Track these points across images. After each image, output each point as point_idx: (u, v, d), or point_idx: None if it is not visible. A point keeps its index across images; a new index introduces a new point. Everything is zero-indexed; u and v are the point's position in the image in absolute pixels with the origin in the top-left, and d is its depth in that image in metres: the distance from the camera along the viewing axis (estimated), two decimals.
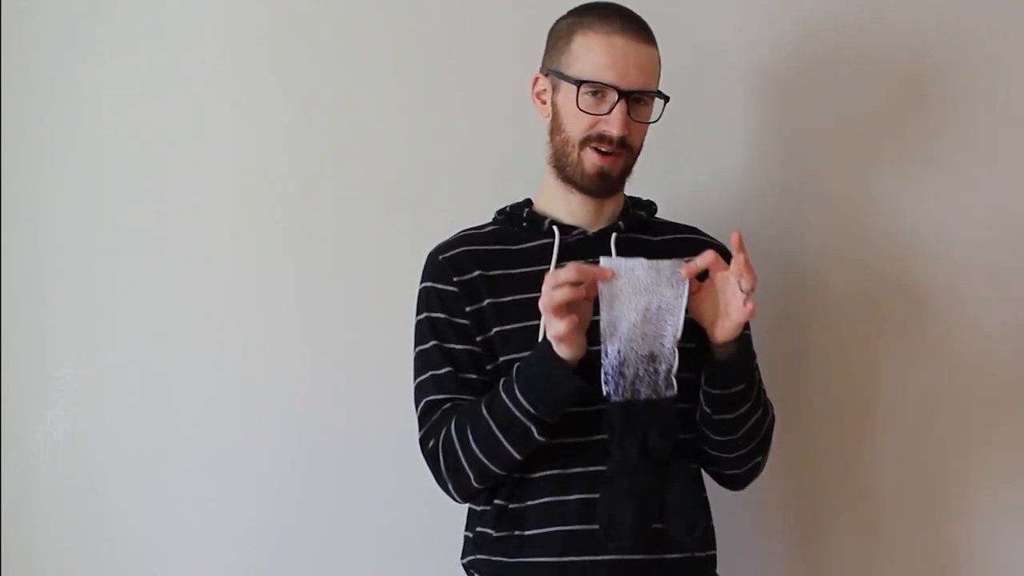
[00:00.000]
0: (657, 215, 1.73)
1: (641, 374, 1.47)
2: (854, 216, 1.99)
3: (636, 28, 1.59)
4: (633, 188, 1.71)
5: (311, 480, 2.02)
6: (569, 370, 1.45)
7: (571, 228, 1.64)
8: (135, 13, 2.08)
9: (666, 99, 1.62)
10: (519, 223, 1.67)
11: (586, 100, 1.58)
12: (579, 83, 1.57)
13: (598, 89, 1.57)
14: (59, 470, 2.05)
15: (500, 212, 1.71)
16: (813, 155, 2.00)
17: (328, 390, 2.03)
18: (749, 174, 2.00)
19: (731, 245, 1.46)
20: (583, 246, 1.62)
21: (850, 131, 2.00)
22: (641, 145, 1.64)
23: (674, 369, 1.47)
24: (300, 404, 2.03)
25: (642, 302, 1.46)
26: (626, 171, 1.63)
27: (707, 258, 1.46)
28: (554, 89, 1.63)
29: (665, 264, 1.47)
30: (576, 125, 1.59)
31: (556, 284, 1.42)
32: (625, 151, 1.60)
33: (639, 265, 1.46)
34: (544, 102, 1.65)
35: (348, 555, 2.01)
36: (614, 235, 1.63)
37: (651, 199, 1.74)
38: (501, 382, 1.53)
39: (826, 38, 2.00)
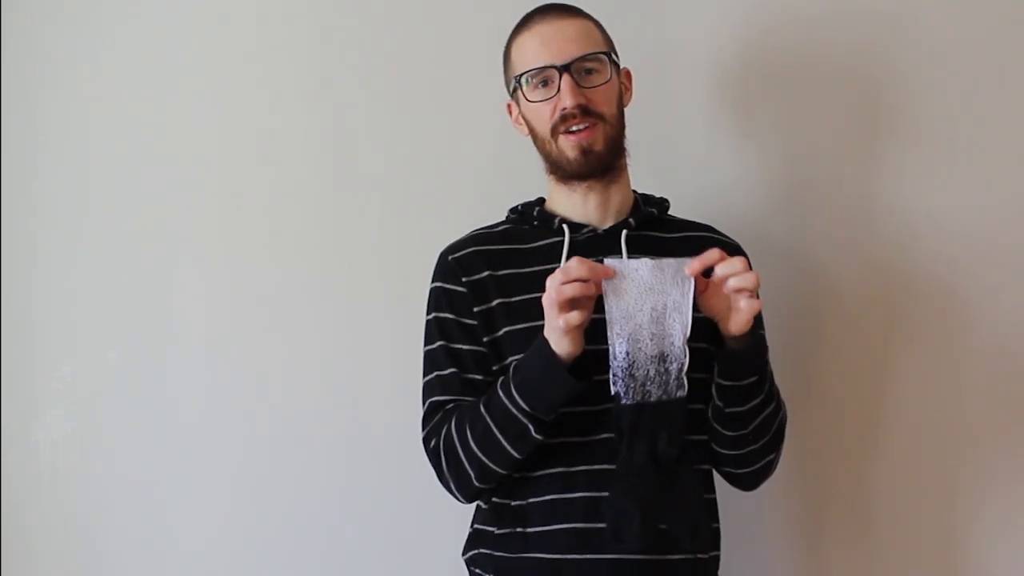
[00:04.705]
0: (670, 212, 1.73)
1: (652, 375, 1.47)
2: (863, 212, 1.98)
3: (557, 10, 1.63)
4: (639, 188, 1.72)
5: (312, 480, 2.02)
6: (565, 368, 1.45)
7: (581, 226, 1.64)
8: (138, 12, 2.08)
9: (609, 55, 1.62)
10: (530, 221, 1.68)
11: (535, 92, 1.61)
12: (518, 77, 1.61)
13: (542, 77, 1.60)
14: (59, 470, 2.05)
15: (512, 211, 1.71)
16: (820, 151, 1.99)
17: (331, 391, 2.03)
18: (756, 171, 1.99)
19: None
20: (594, 244, 1.62)
21: (857, 127, 1.99)
22: (616, 113, 1.63)
23: (685, 367, 1.47)
24: (303, 404, 2.03)
25: (648, 302, 1.46)
26: (611, 143, 1.62)
27: (711, 256, 1.46)
28: (518, 103, 1.66)
29: (670, 263, 1.46)
30: (540, 120, 1.61)
31: (566, 279, 1.42)
32: (596, 119, 1.59)
33: (643, 265, 1.46)
34: (520, 124, 1.68)
35: (353, 552, 2.01)
36: (625, 232, 1.63)
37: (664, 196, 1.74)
38: (499, 381, 1.53)
39: (830, 35, 1.99)
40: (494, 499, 1.59)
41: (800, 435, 1.90)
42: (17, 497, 2.04)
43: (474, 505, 1.67)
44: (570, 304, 1.43)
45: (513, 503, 1.58)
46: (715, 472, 1.67)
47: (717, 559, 1.64)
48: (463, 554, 1.66)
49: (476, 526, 1.63)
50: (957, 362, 1.95)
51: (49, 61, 2.09)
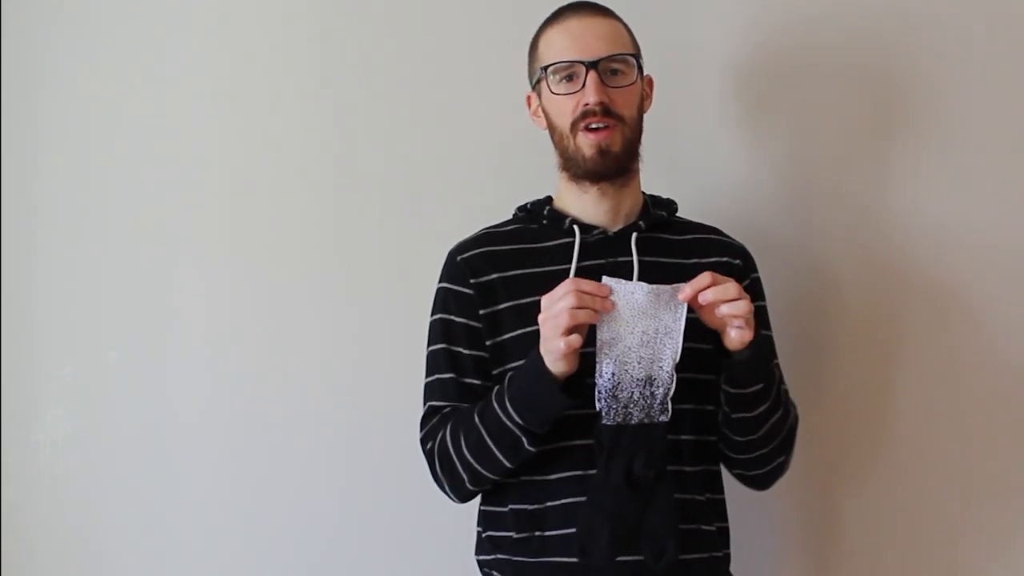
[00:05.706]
0: (678, 214, 1.73)
1: (636, 397, 1.47)
2: (872, 214, 1.97)
3: (589, 8, 1.64)
4: (648, 188, 1.71)
5: (312, 480, 2.02)
6: (558, 386, 1.46)
7: (591, 227, 1.64)
8: (138, 12, 2.08)
9: (636, 59, 1.62)
10: (539, 221, 1.67)
11: (560, 85, 1.60)
12: (545, 68, 1.61)
13: (568, 72, 1.60)
14: (59, 470, 2.04)
15: (520, 209, 1.71)
16: (824, 153, 1.99)
17: (331, 391, 2.03)
18: (765, 172, 1.99)
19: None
20: (604, 245, 1.62)
21: (862, 127, 1.98)
22: (636, 117, 1.63)
23: (671, 393, 1.47)
24: (303, 404, 2.03)
25: (640, 326, 1.46)
26: (628, 147, 1.62)
27: (702, 281, 1.46)
28: (540, 96, 1.66)
29: (665, 289, 1.46)
30: (561, 114, 1.61)
31: (579, 304, 1.42)
32: (616, 121, 1.59)
33: (639, 289, 1.46)
34: (539, 116, 1.68)
35: (354, 552, 2.01)
36: (635, 234, 1.63)
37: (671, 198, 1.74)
38: (494, 391, 1.53)
39: (835, 35, 1.99)
40: (515, 505, 1.59)
41: (808, 435, 1.88)
42: (17, 497, 2.04)
43: (476, 508, 1.67)
44: (571, 328, 1.43)
45: (531, 507, 1.58)
46: (727, 472, 1.68)
47: (728, 556, 1.65)
48: (477, 555, 1.66)
49: (491, 533, 1.62)
50: (964, 365, 1.95)
51: (49, 61, 2.09)
